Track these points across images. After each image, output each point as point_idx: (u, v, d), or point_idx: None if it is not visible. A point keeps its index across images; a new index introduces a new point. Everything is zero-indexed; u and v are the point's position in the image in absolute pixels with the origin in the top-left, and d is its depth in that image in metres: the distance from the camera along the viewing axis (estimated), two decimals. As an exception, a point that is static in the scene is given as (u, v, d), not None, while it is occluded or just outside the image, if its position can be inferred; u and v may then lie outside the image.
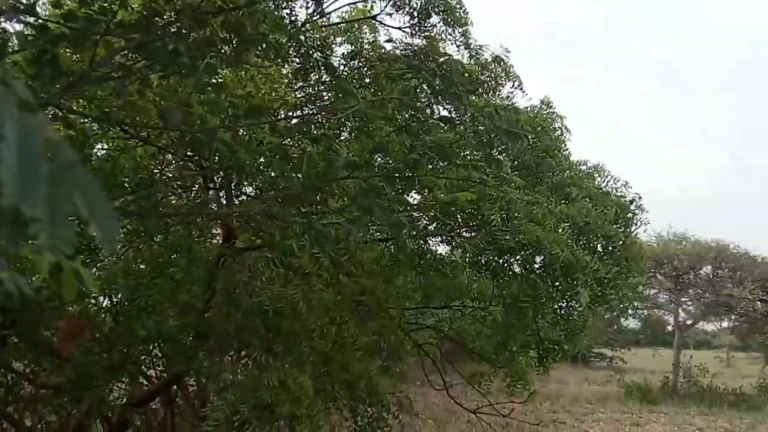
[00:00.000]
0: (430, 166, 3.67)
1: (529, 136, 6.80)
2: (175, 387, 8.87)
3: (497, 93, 7.88)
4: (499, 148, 7.35)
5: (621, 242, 6.62)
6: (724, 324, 29.81)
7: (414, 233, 3.15)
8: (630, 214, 7.50)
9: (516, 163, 7.37)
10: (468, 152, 3.83)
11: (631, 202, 7.71)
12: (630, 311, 26.54)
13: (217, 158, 2.96)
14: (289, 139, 3.20)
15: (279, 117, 3.05)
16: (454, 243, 6.47)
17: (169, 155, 5.00)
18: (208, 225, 5.84)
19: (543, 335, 6.80)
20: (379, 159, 3.95)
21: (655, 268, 23.30)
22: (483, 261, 6.04)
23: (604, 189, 7.77)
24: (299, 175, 3.31)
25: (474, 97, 7.13)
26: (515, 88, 7.73)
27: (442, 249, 7.40)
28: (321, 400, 6.23)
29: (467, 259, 6.52)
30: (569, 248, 5.43)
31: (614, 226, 6.63)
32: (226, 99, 2.93)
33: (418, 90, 2.99)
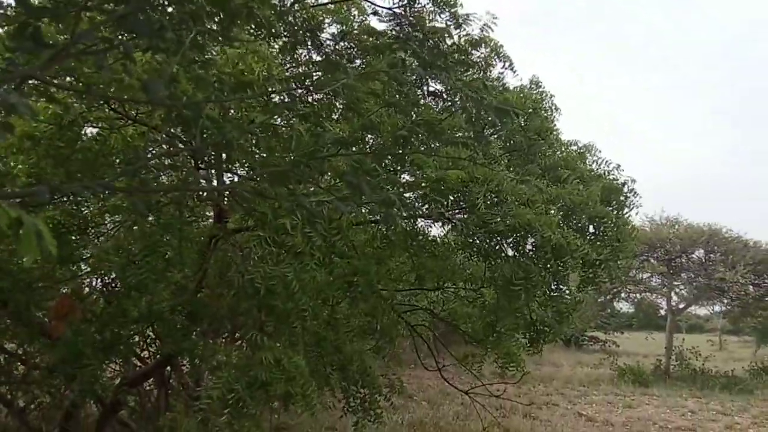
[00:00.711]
0: (420, 144, 3.66)
1: (520, 116, 6.77)
2: (168, 368, 8.91)
3: (488, 73, 7.85)
4: (491, 129, 7.35)
5: (612, 223, 6.62)
6: (716, 308, 29.93)
7: (404, 212, 3.14)
8: (623, 197, 7.49)
9: (508, 144, 7.35)
10: (457, 129, 3.80)
11: (623, 184, 7.71)
12: (623, 295, 26.66)
13: (205, 135, 2.93)
14: (277, 117, 3.17)
15: (267, 93, 3.02)
16: (444, 224, 6.48)
17: (160, 134, 4.98)
18: (198, 205, 5.83)
19: (534, 317, 6.83)
20: (369, 137, 3.93)
21: (647, 252, 23.39)
22: (474, 243, 6.03)
23: (596, 171, 7.76)
24: (288, 153, 3.31)
25: (464, 74, 7.13)
26: (506, 68, 7.70)
27: (435, 230, 7.42)
28: (315, 380, 6.29)
29: (459, 241, 6.52)
30: (560, 230, 5.43)
31: (607, 208, 6.62)
32: (212, 75, 2.92)
33: (405, 63, 2.97)
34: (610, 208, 6.90)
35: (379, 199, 3.07)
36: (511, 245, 5.72)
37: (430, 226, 7.22)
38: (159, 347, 7.66)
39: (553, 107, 8.08)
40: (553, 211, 5.77)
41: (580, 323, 31.35)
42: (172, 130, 4.53)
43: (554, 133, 7.72)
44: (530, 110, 7.06)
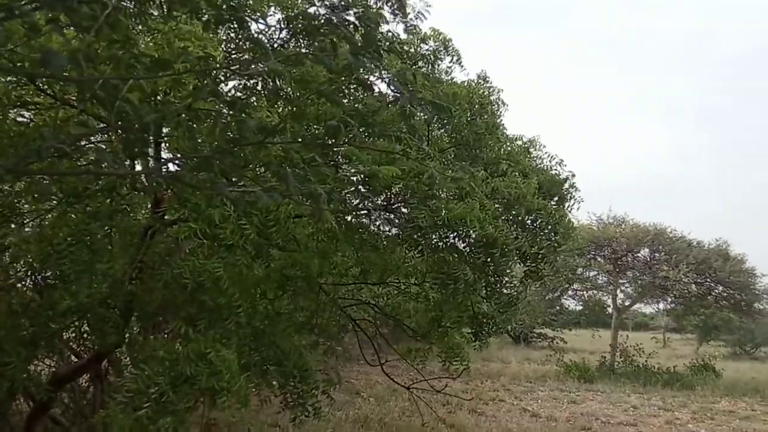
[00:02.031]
0: (352, 136, 3.54)
1: (466, 111, 6.74)
2: (106, 363, 8.61)
3: (436, 67, 7.81)
4: (438, 123, 7.29)
5: (549, 216, 6.61)
6: (661, 306, 30.67)
7: (334, 206, 3.03)
8: (564, 191, 7.52)
9: (454, 138, 7.31)
10: (391, 123, 3.71)
11: (565, 180, 7.74)
12: (570, 292, 27.08)
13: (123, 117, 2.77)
14: (200, 101, 3.02)
15: (185, 73, 2.88)
16: (375, 219, 6.41)
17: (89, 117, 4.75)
18: (129, 193, 5.59)
19: (477, 310, 6.80)
20: (297, 127, 3.79)
21: (594, 251, 23.82)
22: (411, 237, 5.95)
23: (538, 166, 7.78)
24: (212, 141, 3.17)
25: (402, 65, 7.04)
26: (453, 62, 7.68)
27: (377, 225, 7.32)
28: (252, 374, 6.12)
29: (399, 236, 6.44)
30: (494, 224, 5.38)
31: (545, 201, 6.62)
32: (129, 53, 2.75)
33: (336, 48, 2.85)
34: (552, 202, 6.90)
35: (306, 191, 2.96)
36: (444, 239, 5.64)
37: (374, 221, 7.11)
38: (95, 342, 7.36)
39: (500, 102, 8.08)
40: (488, 205, 5.72)
41: (528, 318, 31.84)
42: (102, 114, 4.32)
43: (500, 128, 7.71)
44: (477, 105, 7.02)
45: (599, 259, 24.21)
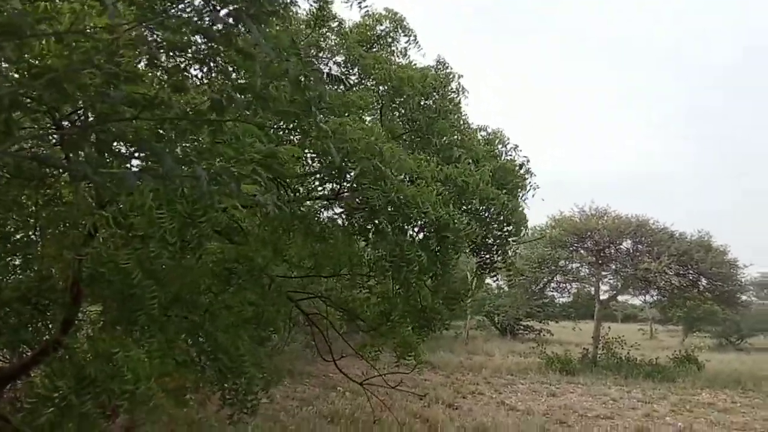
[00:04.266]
0: (246, 113, 3.23)
1: (419, 95, 6.44)
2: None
3: (392, 47, 7.53)
4: (391, 105, 6.99)
5: (503, 206, 6.32)
6: (647, 298, 30.53)
7: (225, 189, 2.72)
8: (518, 179, 7.21)
9: (408, 122, 7.01)
10: (287, 99, 3.39)
11: (521, 166, 7.43)
12: (553, 285, 26.87)
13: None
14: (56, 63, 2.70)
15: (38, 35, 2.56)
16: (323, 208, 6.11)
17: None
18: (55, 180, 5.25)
19: (424, 304, 6.51)
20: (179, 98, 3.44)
21: (577, 243, 23.60)
22: (356, 223, 5.65)
23: (493, 152, 7.47)
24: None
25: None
26: (410, 42, 7.39)
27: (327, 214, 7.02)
28: (185, 372, 5.81)
29: (350, 224, 6.14)
30: (445, 209, 5.09)
31: (498, 191, 6.31)
32: None
33: (215, 10, 2.53)
34: (504, 191, 6.60)
35: (183, 172, 2.64)
36: (395, 223, 5.34)
37: (323, 209, 6.81)
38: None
39: (460, 88, 7.78)
40: (440, 189, 5.43)
41: (510, 309, 31.67)
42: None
43: (456, 114, 7.41)
44: (430, 88, 6.71)
45: (581, 251, 23.99)
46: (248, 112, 3.28)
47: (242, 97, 2.87)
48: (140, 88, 2.75)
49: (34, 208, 5.17)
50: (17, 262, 5.37)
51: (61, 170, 4.90)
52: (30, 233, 5.31)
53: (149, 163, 2.83)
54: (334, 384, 16.33)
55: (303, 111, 2.97)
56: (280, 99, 2.89)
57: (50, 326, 5.80)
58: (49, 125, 3.35)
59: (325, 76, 5.46)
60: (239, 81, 3.03)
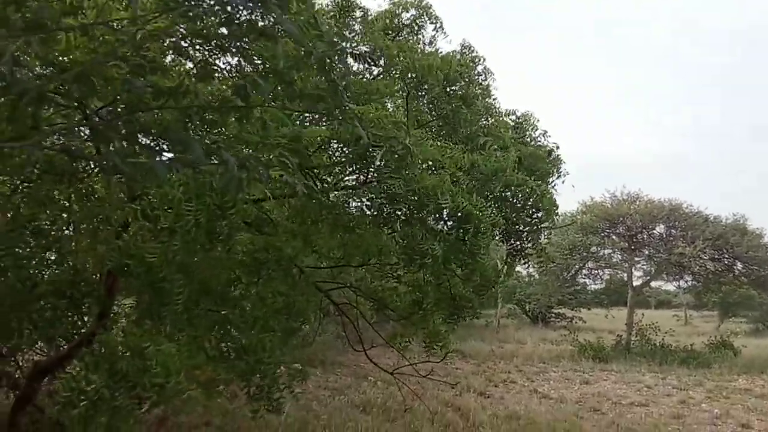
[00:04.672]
0: (271, 98, 3.21)
1: (443, 83, 6.36)
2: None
3: (419, 35, 7.47)
4: (417, 94, 6.92)
5: (531, 192, 6.21)
6: (682, 284, 30.05)
7: (254, 175, 2.71)
8: (548, 166, 7.09)
9: (434, 112, 6.94)
10: (312, 82, 3.36)
11: (549, 152, 7.31)
12: (585, 271, 26.58)
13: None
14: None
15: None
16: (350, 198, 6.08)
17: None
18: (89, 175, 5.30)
19: (454, 292, 6.46)
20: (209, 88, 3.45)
21: (609, 228, 23.29)
22: (382, 212, 5.61)
23: (521, 139, 7.36)
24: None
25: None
26: (437, 30, 7.32)
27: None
28: (215, 367, 5.83)
29: (374, 214, 6.10)
30: (467, 198, 5.03)
31: (525, 177, 6.22)
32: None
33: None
34: (533, 178, 6.50)
35: (215, 160, 2.64)
36: (416, 213, 5.29)
37: (350, 199, 6.79)
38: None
39: (487, 71, 7.68)
40: (462, 178, 5.36)
41: (542, 297, 31.43)
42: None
43: (482, 99, 7.32)
44: (454, 75, 6.62)
45: (614, 237, 23.67)
46: (273, 100, 3.26)
47: (266, 82, 2.85)
48: (165, 80, 2.75)
49: (66, 203, 5.25)
50: (52, 257, 5.43)
51: (92, 164, 4.98)
52: (64, 228, 5.37)
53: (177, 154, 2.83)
54: (365, 374, 16.37)
55: (328, 93, 2.94)
56: (305, 81, 2.87)
57: (86, 320, 5.87)
58: (79, 120, 3.38)
59: (349, 57, 5.41)
60: (263, 67, 3.00)
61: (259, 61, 3.02)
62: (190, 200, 4.57)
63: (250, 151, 3.20)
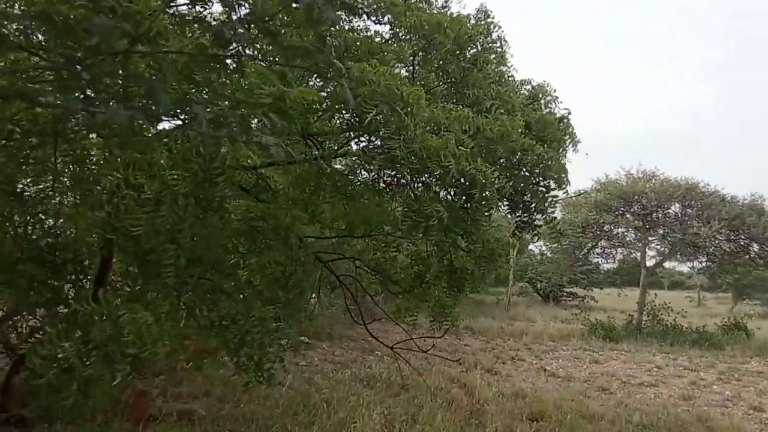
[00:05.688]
0: (256, 52, 2.94)
1: (451, 43, 6.05)
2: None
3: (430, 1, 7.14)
4: (426, 57, 6.62)
5: (539, 158, 5.88)
6: (696, 265, 29.64)
7: (230, 134, 2.46)
8: (559, 132, 6.76)
9: (443, 76, 6.63)
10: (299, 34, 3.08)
11: (561, 119, 6.97)
12: (597, 250, 26.22)
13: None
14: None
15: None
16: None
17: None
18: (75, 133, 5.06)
19: (456, 264, 6.21)
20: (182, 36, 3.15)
21: (623, 207, 22.87)
22: (386, 173, 5.34)
23: (531, 105, 7.02)
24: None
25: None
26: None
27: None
28: (202, 336, 5.63)
29: (374, 180, 5.85)
30: (471, 162, 4.74)
31: (532, 142, 5.89)
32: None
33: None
34: (543, 144, 6.17)
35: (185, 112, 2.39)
36: (417, 176, 5.01)
37: (356, 167, 6.52)
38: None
39: (502, 38, 7.32)
40: (466, 141, 5.06)
41: (553, 276, 31.14)
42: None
43: (500, 66, 6.98)
44: (465, 37, 6.29)
45: (628, 216, 23.26)
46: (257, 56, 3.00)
47: (248, 31, 2.59)
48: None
49: (50, 165, 5.03)
50: (34, 222, 5.22)
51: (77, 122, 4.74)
52: (48, 192, 5.16)
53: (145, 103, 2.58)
54: (372, 348, 16.21)
55: (315, 47, 2.67)
56: (289, 33, 2.61)
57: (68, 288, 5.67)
58: (34, 64, 3.14)
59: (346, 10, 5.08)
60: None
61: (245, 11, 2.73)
62: (175, 167, 4.32)
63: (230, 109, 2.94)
